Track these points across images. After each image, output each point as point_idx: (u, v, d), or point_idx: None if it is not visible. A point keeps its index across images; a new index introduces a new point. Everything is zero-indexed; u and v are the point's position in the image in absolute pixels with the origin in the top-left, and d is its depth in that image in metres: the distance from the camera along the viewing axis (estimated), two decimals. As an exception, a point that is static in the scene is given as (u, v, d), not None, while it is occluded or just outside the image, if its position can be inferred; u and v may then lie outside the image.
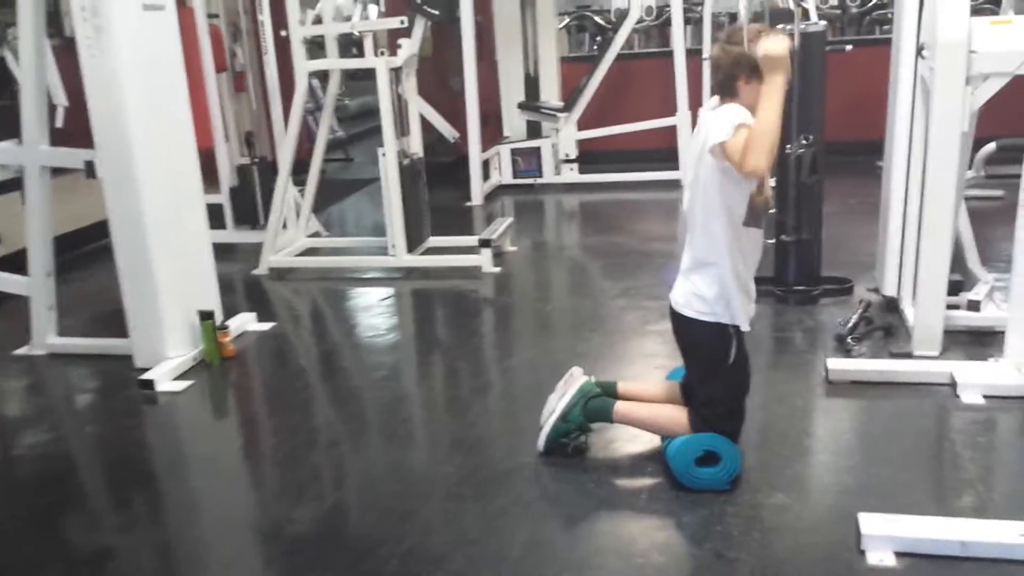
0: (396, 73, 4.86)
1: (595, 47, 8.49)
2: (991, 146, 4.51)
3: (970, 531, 2.17)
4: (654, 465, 2.64)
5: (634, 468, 2.69)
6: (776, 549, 2.25)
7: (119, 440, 3.18)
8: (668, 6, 7.07)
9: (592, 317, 4.14)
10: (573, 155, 7.20)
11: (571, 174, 7.18)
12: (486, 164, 6.94)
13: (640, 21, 7.24)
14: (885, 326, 3.56)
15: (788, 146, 3.80)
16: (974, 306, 3.52)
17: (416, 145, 5.14)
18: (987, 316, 3.49)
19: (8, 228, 4.84)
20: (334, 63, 5.09)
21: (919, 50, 3.35)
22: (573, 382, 2.76)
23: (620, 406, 2.70)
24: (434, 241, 5.26)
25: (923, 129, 3.33)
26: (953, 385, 3.02)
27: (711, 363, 2.53)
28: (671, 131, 6.87)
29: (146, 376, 3.50)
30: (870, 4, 8.26)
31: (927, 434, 2.87)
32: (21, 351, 3.98)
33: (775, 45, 2.24)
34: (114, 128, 3.44)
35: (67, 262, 5.02)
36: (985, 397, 2.95)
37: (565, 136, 7.15)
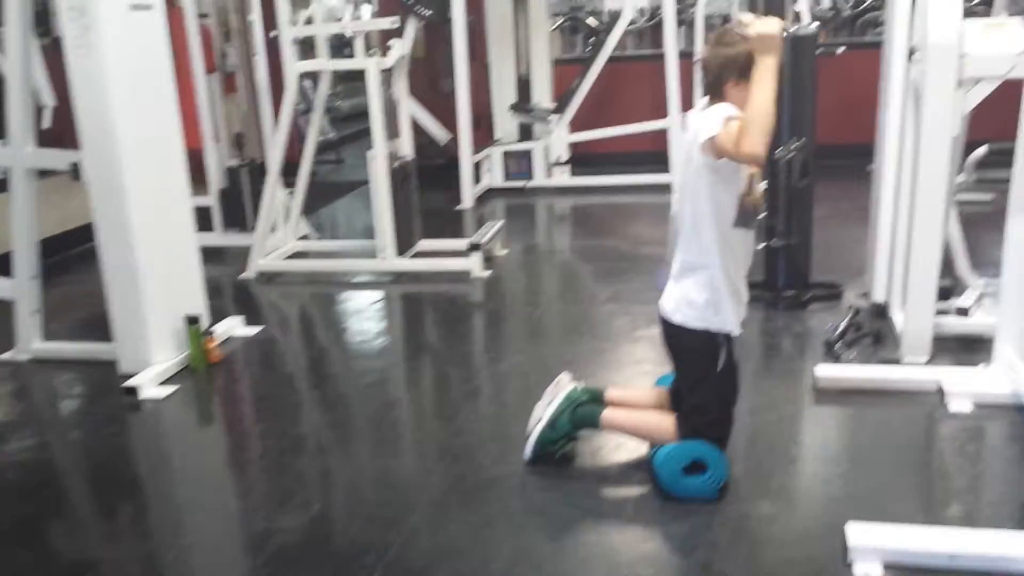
0: (387, 74, 4.83)
1: (587, 49, 8.48)
2: (982, 150, 4.50)
3: (958, 542, 2.15)
4: (641, 474, 2.62)
5: (621, 477, 2.66)
6: (764, 561, 2.24)
7: (101, 447, 3.15)
8: (661, 8, 7.05)
9: (582, 322, 4.12)
10: (565, 158, 7.18)
11: (563, 177, 7.16)
12: (477, 166, 6.91)
13: (632, 23, 7.23)
14: (874, 332, 3.55)
15: (779, 149, 3.79)
16: (963, 312, 3.50)
17: (406, 147, 5.11)
18: (976, 322, 3.48)
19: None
20: (324, 64, 5.06)
21: (910, 53, 3.34)
22: (560, 389, 2.74)
23: (608, 413, 2.68)
24: (424, 244, 5.23)
25: (914, 132, 3.31)
26: (941, 393, 3.01)
27: (700, 370, 2.51)
28: (663, 134, 6.85)
29: (130, 382, 3.47)
30: (863, 6, 8.26)
31: (915, 442, 2.85)
32: (5, 356, 3.94)
33: (767, 25, 2.22)
34: (100, 129, 3.41)
35: (55, 265, 5.00)
36: (974, 405, 2.93)
37: (557, 138, 7.13)
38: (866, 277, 3.97)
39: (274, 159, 5.13)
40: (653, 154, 6.94)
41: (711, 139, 2.25)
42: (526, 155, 7.06)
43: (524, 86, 7.52)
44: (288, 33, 4.99)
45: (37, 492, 2.85)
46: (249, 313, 4.32)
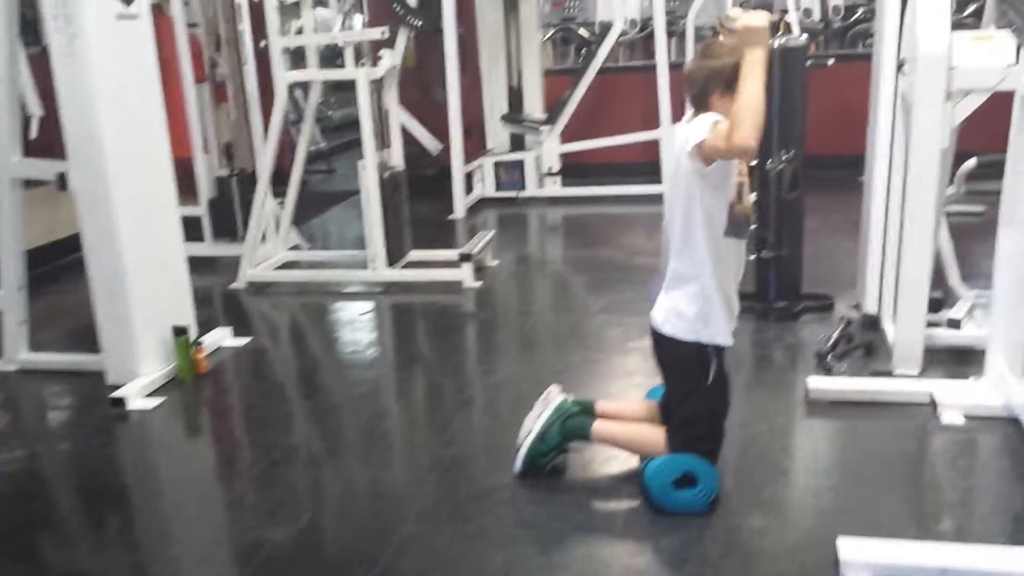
0: (377, 84, 4.82)
1: (579, 60, 8.49)
2: (972, 162, 4.51)
3: (950, 556, 2.14)
4: (631, 487, 2.60)
5: (612, 490, 2.65)
6: (755, 575, 2.22)
7: (89, 458, 3.12)
8: (652, 19, 7.07)
9: (573, 333, 4.10)
10: (556, 168, 7.17)
11: (554, 187, 7.15)
12: (469, 177, 6.91)
13: (624, 34, 7.23)
14: (866, 344, 3.55)
15: (769, 161, 3.79)
16: (954, 324, 3.50)
17: (397, 157, 5.10)
18: (968, 334, 3.48)
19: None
20: (315, 74, 5.05)
21: (900, 65, 3.35)
22: (550, 401, 2.72)
23: (598, 425, 2.66)
24: (416, 255, 5.21)
25: (903, 144, 3.32)
26: (933, 405, 3.00)
27: (690, 382, 2.50)
28: (655, 145, 6.84)
29: (118, 394, 3.44)
30: (853, 18, 8.29)
31: (907, 455, 2.84)
32: (-8, 366, 3.91)
33: (755, 18, 2.21)
34: (87, 139, 3.39)
35: (43, 275, 4.96)
36: (966, 417, 2.93)
37: (548, 149, 7.13)
38: (857, 289, 3.97)
39: (264, 169, 5.11)
40: (645, 165, 6.93)
41: (700, 144, 2.24)
42: (518, 165, 7.05)
43: (516, 97, 7.51)
44: (278, 43, 4.97)
45: (25, 504, 2.82)
46: (238, 324, 4.29)
